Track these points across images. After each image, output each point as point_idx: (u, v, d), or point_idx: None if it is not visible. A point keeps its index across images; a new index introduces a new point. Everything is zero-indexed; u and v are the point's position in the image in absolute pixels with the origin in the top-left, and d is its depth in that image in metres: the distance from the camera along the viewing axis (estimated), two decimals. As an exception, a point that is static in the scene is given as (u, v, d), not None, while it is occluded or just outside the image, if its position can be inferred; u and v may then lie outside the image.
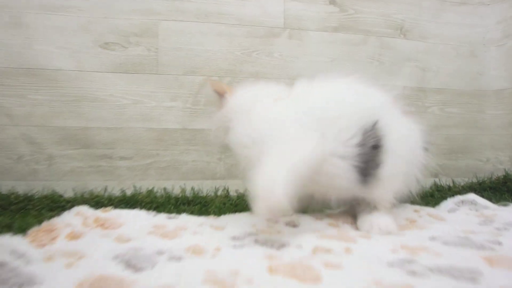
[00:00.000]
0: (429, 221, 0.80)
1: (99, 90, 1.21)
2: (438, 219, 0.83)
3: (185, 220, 0.72)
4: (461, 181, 1.43)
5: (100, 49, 1.21)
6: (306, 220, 0.76)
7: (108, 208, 0.72)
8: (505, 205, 0.96)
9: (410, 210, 0.87)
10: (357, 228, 0.74)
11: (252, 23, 1.31)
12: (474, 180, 1.44)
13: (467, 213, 0.88)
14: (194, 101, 1.27)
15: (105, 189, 1.19)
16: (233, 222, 0.73)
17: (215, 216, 0.78)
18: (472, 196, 0.94)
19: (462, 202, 0.93)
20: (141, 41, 1.24)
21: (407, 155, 0.73)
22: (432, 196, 1.33)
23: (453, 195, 1.35)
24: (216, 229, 0.66)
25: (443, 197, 1.32)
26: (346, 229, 0.72)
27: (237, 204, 1.15)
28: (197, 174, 1.26)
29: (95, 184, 1.19)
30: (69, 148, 1.18)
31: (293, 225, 0.74)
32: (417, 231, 0.71)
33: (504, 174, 1.45)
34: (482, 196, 1.33)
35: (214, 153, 1.27)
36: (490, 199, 1.30)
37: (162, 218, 0.73)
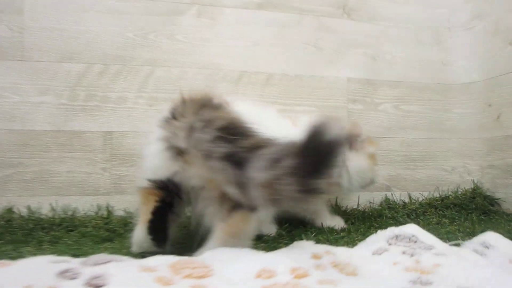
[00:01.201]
0: (328, 279, 0.51)
1: None
2: (346, 274, 0.54)
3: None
4: (420, 195, 1.16)
5: None
6: (122, 272, 0.48)
7: None
8: (457, 244, 0.67)
9: (307, 254, 0.58)
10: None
11: (152, -4, 1.03)
12: (436, 195, 1.17)
13: (395, 262, 0.59)
14: (72, 96, 0.99)
15: None
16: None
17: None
18: (412, 228, 0.66)
19: (397, 237, 0.65)
20: (1, 19, 0.96)
21: None
22: (380, 216, 1.05)
23: (408, 214, 1.09)
24: None
25: (394, 217, 1.06)
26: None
27: (114, 229, 0.88)
28: (74, 189, 0.99)
29: None
30: None
31: (97, 284, 0.46)
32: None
33: (472, 187, 1.17)
34: (444, 215, 1.07)
35: (97, 161, 1.00)
36: (453, 219, 1.02)
37: None
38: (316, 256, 0.58)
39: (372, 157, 0.90)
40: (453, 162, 1.20)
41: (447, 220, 1.01)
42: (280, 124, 0.82)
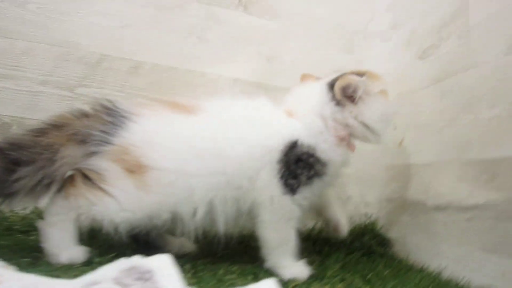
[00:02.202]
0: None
1: None
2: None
3: None
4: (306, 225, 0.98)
5: None
6: None
7: None
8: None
9: None
10: None
11: (1, -44, 0.90)
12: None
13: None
14: None
15: None
16: None
17: None
18: (158, 261, 0.47)
19: (130, 270, 0.47)
20: None
21: None
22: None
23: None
24: None
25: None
26: None
27: None
28: None
29: None
30: None
31: None
32: None
33: (366, 221, 1.00)
34: (319, 251, 0.87)
35: None
36: (326, 257, 0.84)
37: None
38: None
39: (384, 92, 0.73)
40: (350, 190, 1.03)
41: (319, 257, 0.84)
42: (278, 121, 0.69)
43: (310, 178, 0.67)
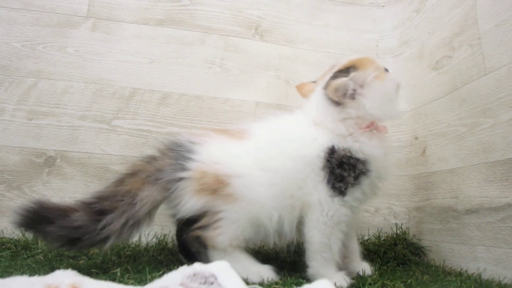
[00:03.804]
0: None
1: None
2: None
3: None
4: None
5: None
6: None
7: None
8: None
9: (40, 284, 0.45)
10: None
11: (43, 8, 1.00)
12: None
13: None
14: None
15: None
16: None
17: None
18: (217, 267, 0.51)
19: (194, 276, 0.51)
20: None
21: None
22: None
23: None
24: None
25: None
26: None
27: None
28: None
29: None
30: None
31: None
32: None
33: (396, 232, 1.00)
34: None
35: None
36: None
37: None
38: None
39: (379, 75, 0.72)
40: (378, 202, 1.04)
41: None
42: (312, 131, 0.72)
43: (356, 178, 0.68)
